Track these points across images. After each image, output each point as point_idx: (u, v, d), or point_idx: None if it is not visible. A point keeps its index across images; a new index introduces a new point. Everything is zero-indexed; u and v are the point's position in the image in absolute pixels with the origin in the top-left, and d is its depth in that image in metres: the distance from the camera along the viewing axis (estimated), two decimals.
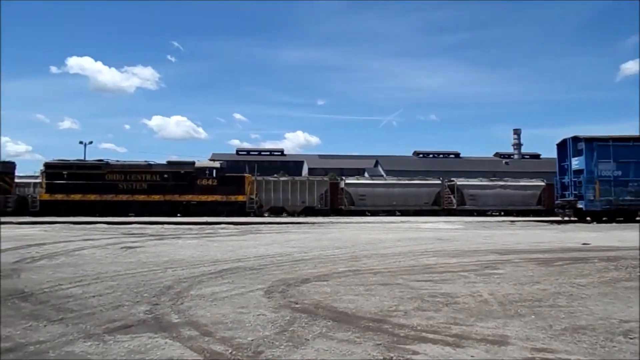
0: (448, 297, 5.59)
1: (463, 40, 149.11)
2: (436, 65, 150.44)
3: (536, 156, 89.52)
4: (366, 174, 63.53)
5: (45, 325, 4.31)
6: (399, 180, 34.95)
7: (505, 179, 36.56)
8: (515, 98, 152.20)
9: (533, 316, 4.67)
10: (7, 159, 30.19)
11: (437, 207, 32.99)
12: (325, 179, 35.36)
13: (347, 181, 33.50)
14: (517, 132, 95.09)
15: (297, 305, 5.13)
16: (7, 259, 8.88)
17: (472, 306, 5.12)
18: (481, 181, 34.93)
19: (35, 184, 30.94)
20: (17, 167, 29.88)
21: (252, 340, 3.90)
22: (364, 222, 22.96)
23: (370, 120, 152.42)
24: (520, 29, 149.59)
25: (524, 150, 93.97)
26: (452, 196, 33.67)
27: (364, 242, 12.42)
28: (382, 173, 68.04)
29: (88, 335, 4.02)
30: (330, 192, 32.33)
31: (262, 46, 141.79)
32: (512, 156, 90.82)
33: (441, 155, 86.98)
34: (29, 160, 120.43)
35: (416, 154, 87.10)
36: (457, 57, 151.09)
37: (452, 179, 35.27)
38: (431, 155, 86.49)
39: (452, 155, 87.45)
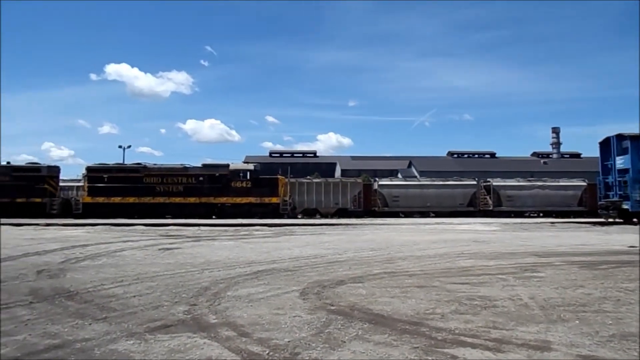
0: (486, 300, 5.46)
1: (497, 38, 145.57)
2: (469, 64, 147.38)
3: (576, 155, 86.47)
4: (399, 175, 62.89)
5: (90, 324, 4.46)
6: (433, 181, 34.41)
7: (544, 179, 35.43)
8: (553, 95, 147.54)
9: (577, 321, 4.51)
10: (51, 164, 31.32)
11: (472, 209, 32.32)
12: (359, 180, 35.20)
13: (381, 182, 33.24)
14: (555, 130, 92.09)
15: (332, 307, 5.13)
16: (54, 259, 9.26)
17: (512, 310, 4.99)
18: (518, 181, 34.01)
19: (78, 187, 32.11)
20: (61, 171, 31.17)
21: (289, 341, 3.92)
22: (398, 224, 22.74)
23: (402, 121, 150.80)
24: (558, 24, 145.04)
25: (563, 149, 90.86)
26: (488, 197, 32.93)
27: (398, 244, 12.31)
28: (416, 174, 67.21)
29: (130, 334, 4.14)
30: (363, 193, 32.17)
31: (293, 49, 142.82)
32: (550, 155, 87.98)
33: (476, 156, 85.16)
34: (71, 164, 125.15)
35: (450, 154, 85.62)
36: (492, 55, 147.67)
37: (488, 179, 34.47)
38: (466, 156, 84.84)
39: (488, 156, 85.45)
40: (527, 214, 32.96)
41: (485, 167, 68.60)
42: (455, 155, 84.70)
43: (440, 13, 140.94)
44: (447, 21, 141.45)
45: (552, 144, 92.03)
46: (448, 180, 34.26)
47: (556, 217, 30.46)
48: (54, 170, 30.33)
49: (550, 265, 8.40)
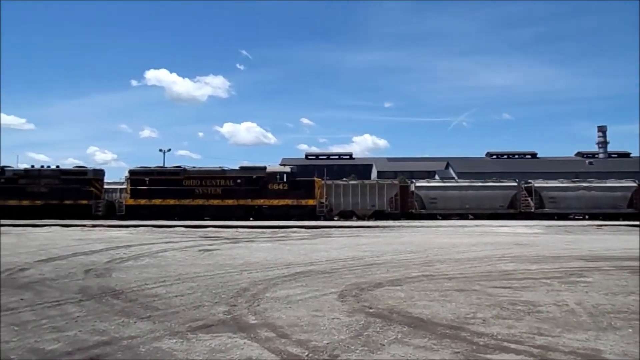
0: (530, 305, 5.30)
1: (537, 35, 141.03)
2: (508, 62, 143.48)
3: (625, 155, 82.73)
4: (437, 177, 61.97)
5: (135, 322, 4.61)
6: (472, 182, 33.65)
7: (590, 180, 34.03)
8: (598, 92, 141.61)
9: (630, 330, 4.31)
10: (96, 167, 32.54)
11: (513, 211, 31.38)
12: (395, 182, 34.85)
13: (418, 184, 32.78)
14: (602, 129, 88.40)
15: (371, 310, 5.10)
16: (100, 258, 9.61)
17: (558, 316, 4.82)
18: (562, 182, 32.79)
19: (121, 190, 33.22)
20: (105, 174, 32.38)
21: (328, 343, 3.92)
22: (436, 226, 22.38)
23: (439, 121, 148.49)
24: (600, 18, 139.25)
25: (610, 148, 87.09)
26: (529, 199, 31.90)
27: (436, 247, 12.11)
28: (454, 175, 66.02)
29: (173, 332, 4.25)
30: (400, 195, 31.82)
31: (328, 50, 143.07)
32: (596, 155, 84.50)
33: (516, 156, 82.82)
34: (114, 167, 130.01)
35: (489, 155, 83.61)
36: (532, 53, 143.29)
37: (529, 180, 33.41)
38: (506, 156, 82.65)
39: (529, 156, 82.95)
40: (571, 217, 31.77)
41: (526, 168, 66.64)
42: (495, 156, 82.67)
43: (478, 11, 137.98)
44: (485, 19, 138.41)
45: (598, 143, 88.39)
46: (487, 182, 33.43)
47: (603, 219, 29.20)
48: (99, 174, 31.49)
49: (598, 269, 8.07)
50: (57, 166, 31.48)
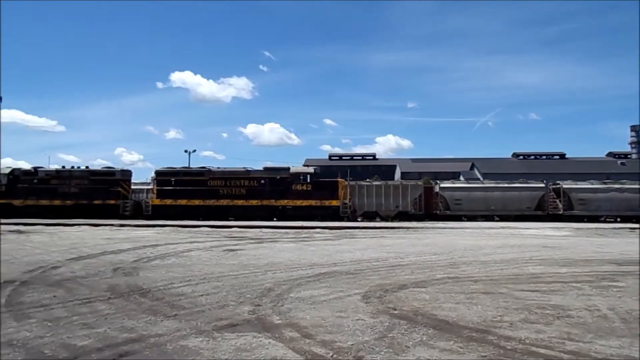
0: (559, 309, 5.18)
1: (564, 32, 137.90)
2: (534, 61, 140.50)
3: None
4: (462, 178, 61.18)
5: (162, 320, 4.69)
6: (498, 183, 33.08)
7: (622, 181, 33.07)
8: (631, 90, 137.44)
9: None
10: (123, 168, 33.19)
11: (540, 212, 30.72)
12: (419, 183, 34.54)
13: (442, 185, 32.42)
14: (635, 128, 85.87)
15: (395, 312, 5.07)
16: (127, 257, 9.82)
17: (589, 321, 4.70)
18: (592, 184, 31.91)
19: (147, 190, 33.85)
20: (132, 174, 33.02)
21: (352, 344, 3.92)
22: (461, 228, 22.09)
23: (463, 121, 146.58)
24: (632, 13, 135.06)
25: None
26: (557, 200, 31.18)
27: (462, 248, 11.95)
28: (479, 176, 65.05)
29: (199, 331, 4.31)
30: (424, 196, 31.54)
31: (350, 51, 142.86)
32: (629, 156, 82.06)
33: (544, 157, 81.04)
34: (141, 168, 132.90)
35: (516, 155, 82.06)
36: (558, 51, 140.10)
37: (558, 181, 32.67)
38: (533, 157, 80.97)
39: (557, 157, 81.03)
40: (602, 219, 30.90)
41: (554, 169, 65.23)
42: (521, 157, 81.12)
43: (503, 10, 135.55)
44: (509, 17, 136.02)
45: (631, 143, 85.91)
46: (514, 183, 32.82)
47: (636, 222, 28.33)
48: (127, 174, 32.15)
49: (631, 274, 7.82)
50: (87, 167, 32.27)
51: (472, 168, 75.84)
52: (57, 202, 29.97)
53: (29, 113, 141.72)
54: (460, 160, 79.77)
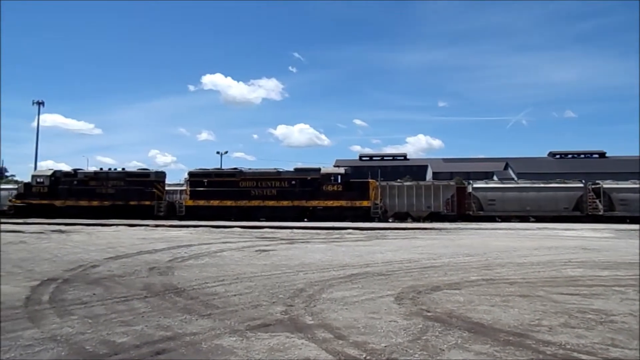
0: (602, 314, 4.99)
1: (598, 27, 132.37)
2: (569, 57, 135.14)
3: None
4: (495, 178, 59.85)
5: (196, 319, 4.77)
6: (533, 183, 32.19)
7: None
8: None
9: None
10: (157, 169, 33.97)
11: (579, 213, 29.76)
12: (452, 183, 34.03)
13: (475, 185, 31.81)
14: None
15: (429, 314, 5.00)
16: (162, 257, 10.04)
17: (635, 327, 4.50)
18: (635, 183, 30.68)
19: (181, 191, 34.54)
20: (166, 176, 33.76)
21: (386, 346, 3.88)
22: (495, 229, 21.61)
23: (496, 120, 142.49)
24: None
25: None
26: (597, 201, 30.10)
27: (496, 250, 11.69)
28: (513, 176, 63.51)
29: (233, 330, 4.35)
30: (456, 196, 31.04)
31: (379, 50, 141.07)
32: None
33: (582, 156, 78.37)
34: (174, 169, 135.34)
35: (552, 154, 79.68)
36: (595, 46, 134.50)
37: (597, 181, 31.56)
38: (570, 156, 78.40)
39: (596, 155, 78.25)
40: None
41: (593, 169, 62.96)
42: (558, 156, 78.72)
43: (534, 5, 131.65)
44: (541, 13, 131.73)
45: None
46: (550, 183, 31.89)
47: None
48: (161, 176, 32.92)
49: None
50: (123, 169, 33.19)
51: (506, 168, 74.13)
52: (95, 203, 30.98)
53: (68, 117, 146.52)
54: (494, 160, 78.04)
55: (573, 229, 20.96)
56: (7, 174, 64.13)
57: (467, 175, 60.08)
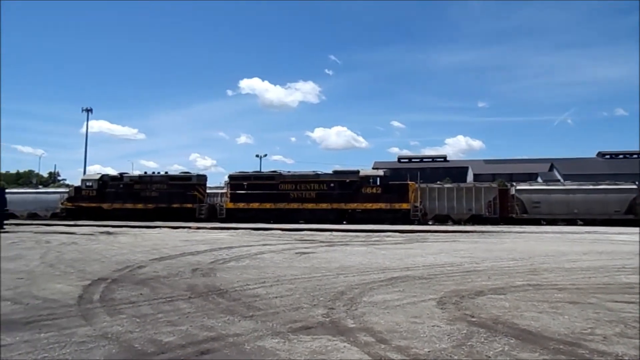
0: None
1: None
2: (617, 53, 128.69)
3: None
4: (539, 179, 57.92)
5: (239, 320, 4.83)
6: (581, 185, 30.93)
7: None
8: None
9: None
10: (198, 172, 34.79)
11: (632, 217, 28.35)
12: (494, 185, 33.21)
13: (519, 187, 30.85)
14: None
15: (473, 319, 4.87)
16: (204, 259, 10.25)
17: None
18: None
19: (221, 194, 35.23)
20: (207, 179, 34.51)
21: (429, 351, 3.81)
22: (540, 232, 20.88)
23: (539, 120, 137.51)
24: None
25: None
26: None
27: (542, 254, 11.29)
28: (560, 178, 61.25)
29: (275, 332, 4.39)
30: (499, 199, 30.23)
31: (416, 51, 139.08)
32: None
33: (635, 156, 74.68)
34: (214, 172, 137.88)
35: (601, 155, 76.32)
36: None
37: None
38: (621, 156, 74.92)
39: None
40: None
41: None
42: (608, 156, 75.37)
43: (574, 2, 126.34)
44: (585, 9, 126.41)
45: None
46: (600, 184, 30.56)
47: None
48: (202, 179, 33.69)
49: None
50: (166, 172, 34.13)
51: (551, 169, 71.58)
52: (139, 206, 32.03)
53: (114, 123, 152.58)
54: (538, 160, 75.53)
55: (626, 233, 19.96)
56: (59, 178, 67.39)
57: (510, 176, 58.43)
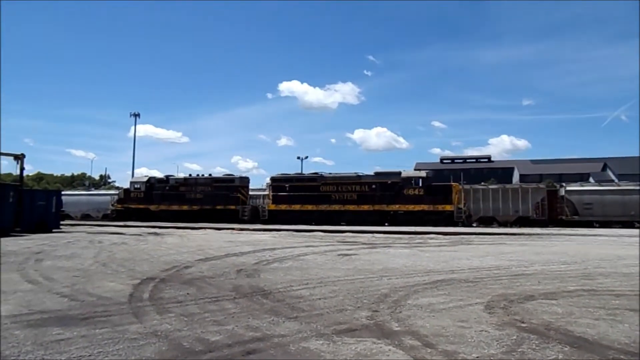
0: None
1: None
2: None
3: None
4: (591, 180, 55.39)
5: (283, 321, 4.86)
6: (638, 185, 29.37)
7: None
8: None
9: None
10: (240, 175, 35.37)
11: None
12: (541, 185, 32.02)
13: (569, 188, 29.61)
14: None
15: (523, 325, 4.70)
16: (248, 260, 10.41)
17: None
18: None
19: (263, 196, 35.70)
20: (250, 181, 35.07)
21: (477, 357, 3.71)
22: (593, 235, 19.95)
23: (589, 117, 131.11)
24: None
25: None
26: None
27: (596, 258, 10.77)
28: (614, 178, 58.34)
29: (319, 334, 4.39)
30: (547, 200, 29.11)
31: (456, 49, 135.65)
32: None
33: None
34: (255, 174, 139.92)
35: None
36: None
37: None
38: None
39: None
40: None
41: None
42: None
43: None
44: None
45: None
46: None
47: None
48: (245, 181, 34.25)
49: None
50: (210, 174, 34.97)
51: (604, 169, 68.37)
52: (185, 207, 32.94)
53: (159, 127, 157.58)
54: (589, 160, 72.24)
55: None
56: (109, 180, 70.33)
57: (559, 177, 56.26)
